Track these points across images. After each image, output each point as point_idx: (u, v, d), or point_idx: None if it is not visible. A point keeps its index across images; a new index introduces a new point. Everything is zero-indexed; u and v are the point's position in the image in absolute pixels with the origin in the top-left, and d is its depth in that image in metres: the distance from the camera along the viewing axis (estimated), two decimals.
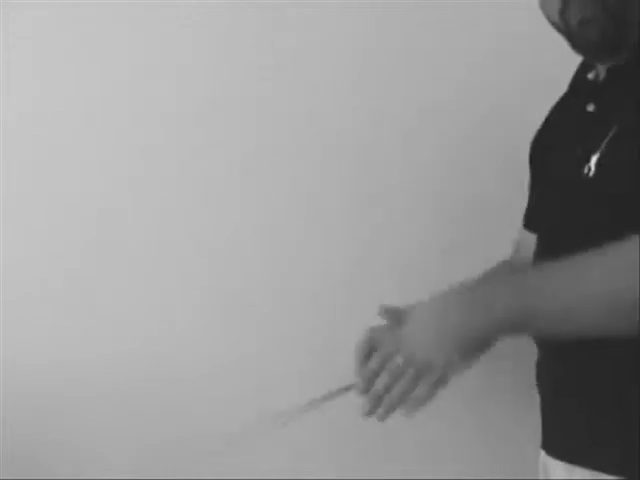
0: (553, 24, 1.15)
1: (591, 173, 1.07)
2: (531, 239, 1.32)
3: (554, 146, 1.20)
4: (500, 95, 1.55)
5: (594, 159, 1.07)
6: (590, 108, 1.13)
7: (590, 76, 1.18)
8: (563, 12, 1.10)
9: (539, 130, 1.27)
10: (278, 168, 1.58)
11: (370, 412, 1.06)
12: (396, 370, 1.02)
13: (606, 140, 1.06)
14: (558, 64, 1.28)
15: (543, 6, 1.16)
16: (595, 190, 1.06)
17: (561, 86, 1.25)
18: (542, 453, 1.20)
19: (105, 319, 1.58)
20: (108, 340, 1.57)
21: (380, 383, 1.03)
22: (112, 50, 1.57)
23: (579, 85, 1.21)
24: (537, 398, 1.21)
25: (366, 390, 1.04)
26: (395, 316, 1.07)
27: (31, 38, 1.57)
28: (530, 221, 1.33)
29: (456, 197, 1.57)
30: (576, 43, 1.12)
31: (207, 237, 1.58)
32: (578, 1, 1.08)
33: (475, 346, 1.02)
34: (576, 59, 1.20)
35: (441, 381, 1.02)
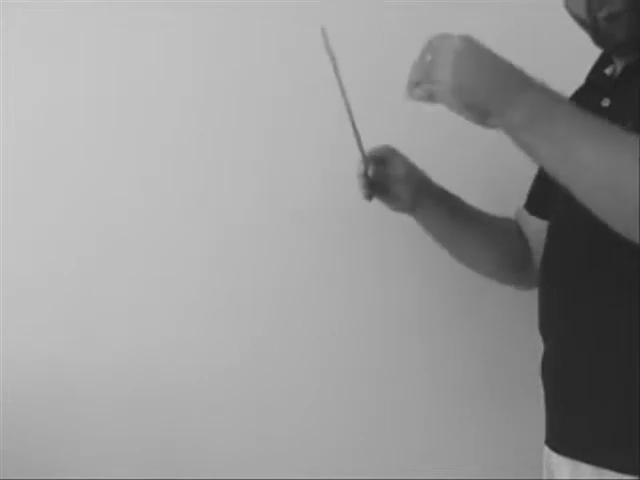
0: (578, 20, 1.15)
1: None
2: (531, 223, 1.35)
3: None
4: None
5: None
6: (605, 103, 1.14)
7: (608, 71, 1.18)
8: (590, 7, 1.10)
9: None
10: (278, 168, 1.58)
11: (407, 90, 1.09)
12: (422, 62, 1.05)
13: None
14: (567, 60, 1.28)
15: (568, 2, 1.16)
16: None
17: (575, 81, 1.25)
18: (546, 449, 1.20)
19: (105, 319, 1.58)
20: (108, 340, 1.57)
21: (412, 73, 1.08)
22: (112, 50, 1.57)
23: (595, 80, 1.21)
24: (541, 393, 1.21)
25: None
26: None
27: (31, 38, 1.57)
28: (536, 206, 1.35)
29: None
30: (601, 38, 1.13)
31: (208, 239, 1.58)
32: None
33: (476, 111, 1.01)
34: (585, 55, 1.20)
35: (432, 96, 1.04)
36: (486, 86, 1.00)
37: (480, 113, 1.01)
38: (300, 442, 1.58)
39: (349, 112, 1.30)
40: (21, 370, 1.57)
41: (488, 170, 1.56)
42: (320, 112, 1.56)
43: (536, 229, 1.34)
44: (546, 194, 1.29)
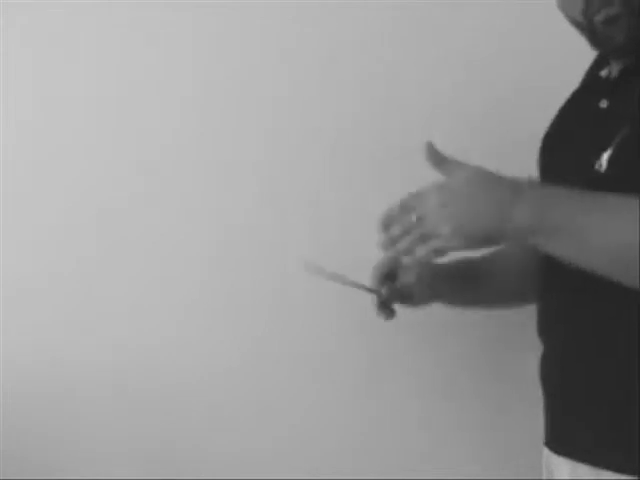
0: (574, 23, 1.13)
1: (602, 169, 1.07)
2: None
3: (565, 141, 1.20)
4: (509, 91, 1.55)
5: (606, 155, 1.07)
6: (603, 104, 1.13)
7: (603, 73, 1.17)
8: (586, 11, 1.09)
9: (550, 125, 1.27)
10: (278, 168, 1.58)
11: (384, 247, 1.10)
12: (408, 225, 1.05)
13: (618, 136, 1.06)
14: (567, 60, 1.28)
15: (563, 5, 1.14)
16: (606, 186, 1.06)
17: (572, 82, 1.25)
18: (545, 450, 1.20)
19: (105, 319, 1.58)
20: (108, 340, 1.57)
21: (393, 231, 1.07)
22: (112, 50, 1.57)
23: (592, 81, 1.21)
24: (540, 394, 1.21)
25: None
26: (438, 160, 1.07)
27: (31, 38, 1.57)
28: None
29: None
30: (599, 41, 1.12)
31: (208, 239, 1.58)
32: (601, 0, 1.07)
33: (481, 238, 1.03)
34: (586, 55, 1.20)
35: (439, 251, 1.04)
36: (483, 213, 1.01)
37: (487, 239, 1.03)
38: (300, 442, 1.58)
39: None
40: (21, 370, 1.57)
41: (483, 159, 1.56)
42: (320, 112, 1.56)
43: None
44: None
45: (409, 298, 1.35)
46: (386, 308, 1.32)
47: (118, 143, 1.58)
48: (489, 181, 1.03)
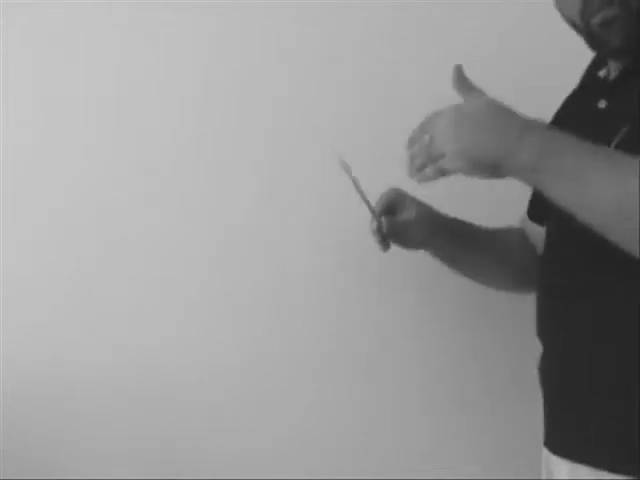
0: (571, 24, 1.13)
1: None
2: (534, 229, 1.35)
3: None
4: (508, 91, 1.54)
5: None
6: (601, 105, 1.13)
7: (602, 73, 1.17)
8: (584, 12, 1.09)
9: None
10: (278, 168, 1.58)
11: (407, 166, 1.12)
12: (422, 144, 1.07)
13: (618, 137, 1.06)
14: (567, 60, 1.28)
15: (560, 5, 1.14)
16: None
17: (571, 82, 1.26)
18: (545, 451, 1.20)
19: (105, 319, 1.58)
20: (108, 340, 1.57)
21: (412, 150, 1.10)
22: (112, 50, 1.57)
23: (590, 82, 1.21)
24: (539, 395, 1.21)
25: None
26: (463, 85, 1.08)
27: (31, 38, 1.57)
28: (536, 213, 1.35)
29: (459, 196, 1.57)
30: (596, 43, 1.11)
31: (208, 239, 1.58)
32: (600, 0, 1.07)
33: (485, 165, 1.02)
34: (586, 56, 1.20)
35: (444, 171, 1.06)
36: (489, 140, 1.01)
37: (490, 167, 1.02)
38: (300, 442, 1.58)
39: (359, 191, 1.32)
40: (21, 370, 1.57)
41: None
42: (320, 112, 1.56)
43: (540, 235, 1.34)
44: (545, 201, 1.29)
45: (404, 236, 1.34)
46: (384, 239, 1.32)
47: (118, 143, 1.58)
48: (502, 111, 1.03)
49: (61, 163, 1.58)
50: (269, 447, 1.57)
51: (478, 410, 1.57)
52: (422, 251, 1.46)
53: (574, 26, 1.13)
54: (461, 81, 1.08)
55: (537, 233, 1.35)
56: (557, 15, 1.17)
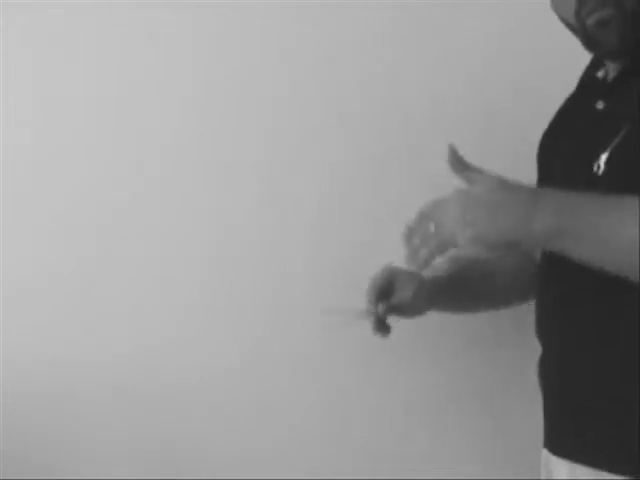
0: (567, 24, 1.13)
1: (601, 171, 1.07)
2: None
3: (563, 143, 1.20)
4: (508, 90, 1.55)
5: (604, 157, 1.07)
6: (600, 106, 1.13)
7: (600, 74, 1.17)
8: (579, 12, 1.08)
9: (548, 127, 1.27)
10: (278, 168, 1.58)
11: (408, 259, 1.09)
12: (426, 235, 1.05)
13: (617, 138, 1.06)
14: (566, 61, 1.28)
15: (556, 6, 1.14)
16: (604, 188, 1.06)
17: (571, 82, 1.25)
18: (544, 451, 1.20)
19: (105, 319, 1.58)
20: (108, 340, 1.57)
21: (414, 242, 1.07)
22: (112, 50, 1.57)
23: (588, 83, 1.21)
24: (539, 395, 1.21)
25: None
26: (460, 166, 1.06)
27: (31, 38, 1.57)
28: None
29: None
30: (592, 44, 1.11)
31: (208, 239, 1.58)
32: (595, 1, 1.06)
33: (501, 244, 1.01)
34: (585, 56, 1.19)
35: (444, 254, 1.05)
36: (504, 221, 0.99)
37: (508, 245, 1.01)
38: (300, 442, 1.58)
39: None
40: (21, 370, 1.57)
41: (481, 159, 1.56)
42: (320, 112, 1.56)
43: None
44: None
45: (405, 312, 1.33)
46: (382, 325, 1.30)
47: (118, 143, 1.58)
48: (508, 188, 1.02)
49: (61, 163, 1.58)
50: (269, 447, 1.57)
51: (478, 410, 1.57)
52: None
53: (570, 27, 1.13)
54: (457, 162, 1.06)
55: None
56: (556, 16, 1.17)
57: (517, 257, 1.38)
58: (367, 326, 1.56)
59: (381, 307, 1.29)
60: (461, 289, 1.38)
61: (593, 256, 0.99)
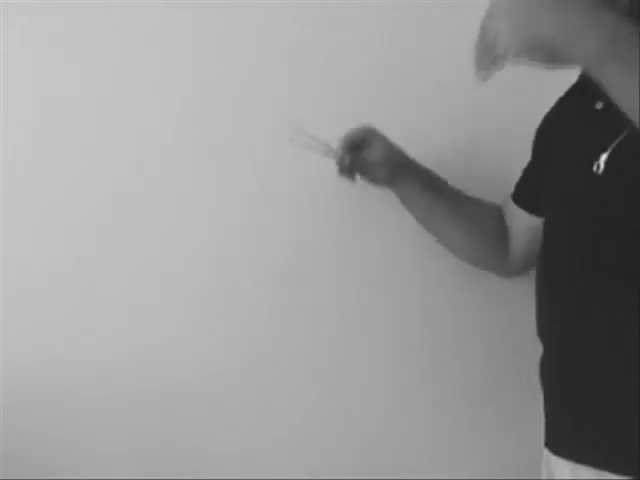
0: None
1: (600, 171, 1.07)
2: (515, 213, 1.37)
3: (562, 141, 1.20)
4: (508, 90, 1.54)
5: (604, 157, 1.07)
6: (598, 106, 1.13)
7: None
8: None
9: (545, 119, 1.27)
10: (278, 168, 1.58)
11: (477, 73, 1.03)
12: (488, 38, 0.99)
13: (617, 139, 1.06)
14: None
15: None
16: (604, 187, 1.06)
17: (570, 82, 1.25)
18: (545, 451, 1.20)
19: (105, 319, 1.58)
20: (108, 340, 1.57)
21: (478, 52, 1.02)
22: (112, 50, 1.57)
23: (587, 82, 1.20)
24: (540, 395, 1.20)
25: None
26: None
27: (31, 38, 1.57)
28: (524, 198, 1.36)
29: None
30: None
31: (208, 239, 1.58)
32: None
33: (542, 47, 0.93)
34: None
35: (500, 58, 0.98)
36: (546, 17, 0.92)
37: (549, 52, 0.93)
38: (300, 442, 1.58)
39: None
40: (21, 370, 1.57)
41: (479, 160, 1.56)
42: (320, 112, 1.56)
43: (519, 220, 1.35)
44: (535, 189, 1.29)
45: (369, 173, 1.38)
46: (347, 172, 1.36)
47: (118, 143, 1.58)
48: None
49: (61, 163, 1.58)
50: (269, 447, 1.57)
51: (478, 410, 1.57)
52: (422, 252, 1.47)
53: None
54: None
55: (518, 218, 1.35)
56: None
57: (495, 221, 1.40)
58: (367, 326, 1.57)
59: (347, 158, 1.35)
60: (430, 189, 1.40)
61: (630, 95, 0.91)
